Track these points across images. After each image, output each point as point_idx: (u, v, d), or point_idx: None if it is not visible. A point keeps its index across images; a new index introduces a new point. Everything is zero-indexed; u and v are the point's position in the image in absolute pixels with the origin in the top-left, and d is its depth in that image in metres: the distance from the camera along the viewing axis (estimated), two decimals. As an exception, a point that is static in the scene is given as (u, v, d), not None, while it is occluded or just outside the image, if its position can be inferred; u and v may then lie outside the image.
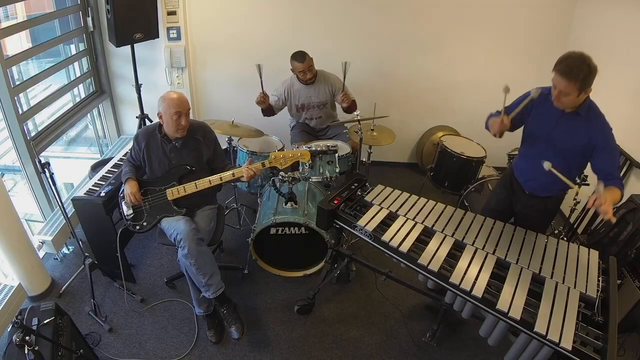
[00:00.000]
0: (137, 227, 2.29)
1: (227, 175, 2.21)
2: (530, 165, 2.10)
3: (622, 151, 2.77)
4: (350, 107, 3.08)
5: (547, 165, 1.90)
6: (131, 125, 3.94)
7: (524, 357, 1.61)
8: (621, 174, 1.90)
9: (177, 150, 2.26)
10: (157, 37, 3.31)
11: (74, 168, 3.74)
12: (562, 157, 1.94)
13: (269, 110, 3.17)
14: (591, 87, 1.75)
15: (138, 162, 2.35)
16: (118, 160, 2.82)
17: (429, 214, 2.11)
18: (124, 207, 2.29)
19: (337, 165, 2.63)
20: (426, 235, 1.98)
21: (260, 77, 2.91)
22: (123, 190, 2.30)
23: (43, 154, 2.96)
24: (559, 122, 1.93)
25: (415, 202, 2.20)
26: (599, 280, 1.72)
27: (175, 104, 2.11)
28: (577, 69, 1.68)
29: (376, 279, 2.74)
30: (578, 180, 2.06)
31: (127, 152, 2.44)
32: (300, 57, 2.95)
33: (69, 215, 2.48)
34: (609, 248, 2.48)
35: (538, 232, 2.00)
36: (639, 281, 2.30)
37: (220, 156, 2.41)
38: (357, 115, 2.76)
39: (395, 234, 1.96)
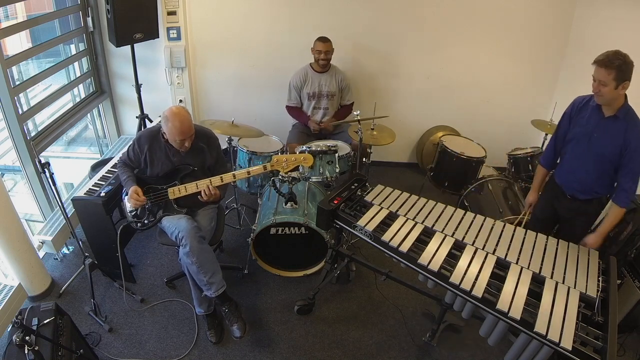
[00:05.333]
0: (139, 225, 2.29)
1: (228, 176, 2.21)
2: (571, 167, 2.14)
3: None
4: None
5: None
6: (131, 125, 3.93)
7: (524, 357, 1.60)
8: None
9: (181, 155, 2.26)
10: (157, 37, 3.30)
11: (74, 168, 3.75)
12: (602, 161, 1.99)
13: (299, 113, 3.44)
14: (629, 81, 1.80)
15: (136, 163, 2.33)
16: (118, 161, 2.81)
17: (429, 214, 2.11)
18: (127, 204, 2.29)
19: (337, 165, 2.64)
20: (426, 235, 1.98)
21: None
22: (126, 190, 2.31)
23: (43, 154, 2.96)
24: (599, 125, 1.97)
25: (415, 202, 2.20)
26: (599, 280, 1.72)
27: (179, 132, 2.09)
28: (613, 57, 1.79)
29: (376, 279, 2.74)
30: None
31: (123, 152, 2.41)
32: (324, 38, 3.21)
33: (69, 215, 2.48)
34: (609, 248, 2.48)
35: (580, 238, 2.08)
36: (639, 281, 2.30)
37: (222, 163, 2.42)
38: (357, 115, 2.77)
39: (395, 234, 1.96)
